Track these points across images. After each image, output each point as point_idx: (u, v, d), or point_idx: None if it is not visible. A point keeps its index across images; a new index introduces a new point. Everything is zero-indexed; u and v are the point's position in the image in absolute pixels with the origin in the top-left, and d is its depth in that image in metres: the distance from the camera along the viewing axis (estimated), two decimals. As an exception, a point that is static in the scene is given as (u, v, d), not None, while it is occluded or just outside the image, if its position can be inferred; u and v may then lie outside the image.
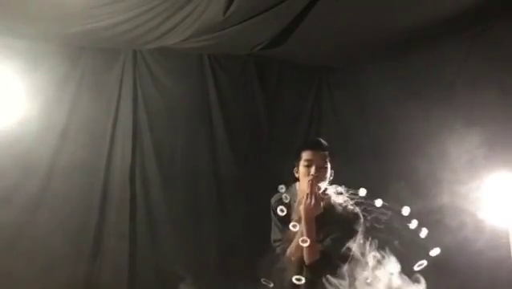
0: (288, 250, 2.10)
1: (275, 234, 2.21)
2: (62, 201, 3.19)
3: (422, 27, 3.00)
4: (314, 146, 2.17)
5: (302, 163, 2.15)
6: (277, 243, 2.18)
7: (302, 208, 2.05)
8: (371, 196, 2.03)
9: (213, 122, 3.65)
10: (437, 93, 3.26)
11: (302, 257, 2.06)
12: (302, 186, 2.14)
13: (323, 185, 2.10)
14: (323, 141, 2.21)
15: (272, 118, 3.81)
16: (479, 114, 2.97)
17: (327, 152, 2.16)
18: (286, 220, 2.13)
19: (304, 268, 2.04)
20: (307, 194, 2.04)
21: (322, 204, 2.07)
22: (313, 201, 2.02)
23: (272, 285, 2.05)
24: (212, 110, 3.65)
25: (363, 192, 2.03)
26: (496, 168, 2.58)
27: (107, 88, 3.42)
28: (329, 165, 2.14)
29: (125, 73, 3.45)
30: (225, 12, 2.69)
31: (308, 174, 2.09)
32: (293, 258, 2.08)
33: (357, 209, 2.07)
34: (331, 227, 2.08)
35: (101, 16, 2.80)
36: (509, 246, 2.50)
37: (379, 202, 2.01)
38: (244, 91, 3.79)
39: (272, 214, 2.23)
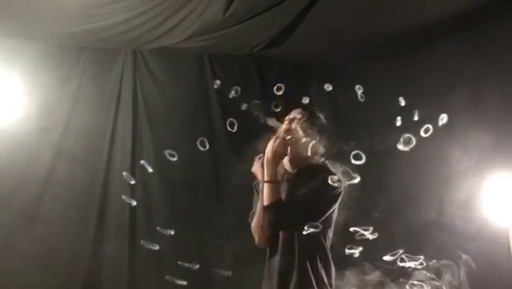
0: (255, 217, 2.04)
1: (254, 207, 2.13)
2: (62, 201, 3.19)
3: (422, 27, 3.00)
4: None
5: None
6: (251, 217, 2.10)
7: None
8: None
9: (213, 122, 3.64)
10: (437, 93, 3.25)
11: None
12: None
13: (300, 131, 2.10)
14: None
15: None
16: (479, 114, 2.97)
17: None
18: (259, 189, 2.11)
19: (264, 210, 1.95)
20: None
21: (288, 148, 2.05)
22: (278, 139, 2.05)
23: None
24: (212, 110, 3.65)
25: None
26: (496, 168, 2.58)
27: (107, 88, 3.42)
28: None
29: (125, 73, 3.45)
30: (225, 12, 2.69)
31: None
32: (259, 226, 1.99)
33: (340, 178, 2.01)
34: (310, 183, 2.01)
35: (101, 16, 2.80)
36: (510, 246, 2.50)
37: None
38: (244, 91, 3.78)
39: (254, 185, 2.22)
